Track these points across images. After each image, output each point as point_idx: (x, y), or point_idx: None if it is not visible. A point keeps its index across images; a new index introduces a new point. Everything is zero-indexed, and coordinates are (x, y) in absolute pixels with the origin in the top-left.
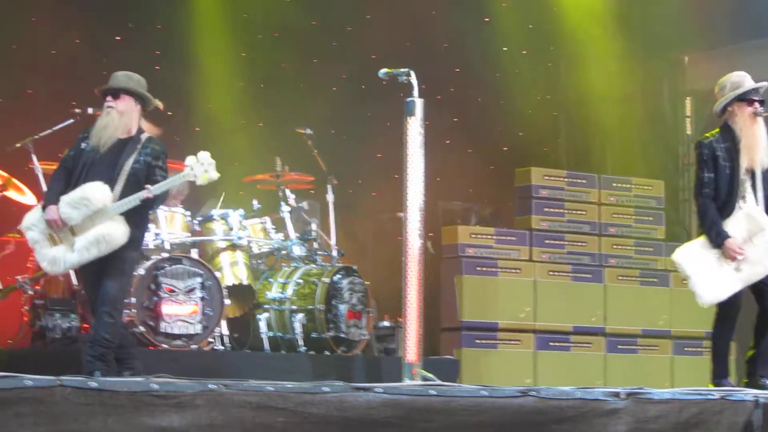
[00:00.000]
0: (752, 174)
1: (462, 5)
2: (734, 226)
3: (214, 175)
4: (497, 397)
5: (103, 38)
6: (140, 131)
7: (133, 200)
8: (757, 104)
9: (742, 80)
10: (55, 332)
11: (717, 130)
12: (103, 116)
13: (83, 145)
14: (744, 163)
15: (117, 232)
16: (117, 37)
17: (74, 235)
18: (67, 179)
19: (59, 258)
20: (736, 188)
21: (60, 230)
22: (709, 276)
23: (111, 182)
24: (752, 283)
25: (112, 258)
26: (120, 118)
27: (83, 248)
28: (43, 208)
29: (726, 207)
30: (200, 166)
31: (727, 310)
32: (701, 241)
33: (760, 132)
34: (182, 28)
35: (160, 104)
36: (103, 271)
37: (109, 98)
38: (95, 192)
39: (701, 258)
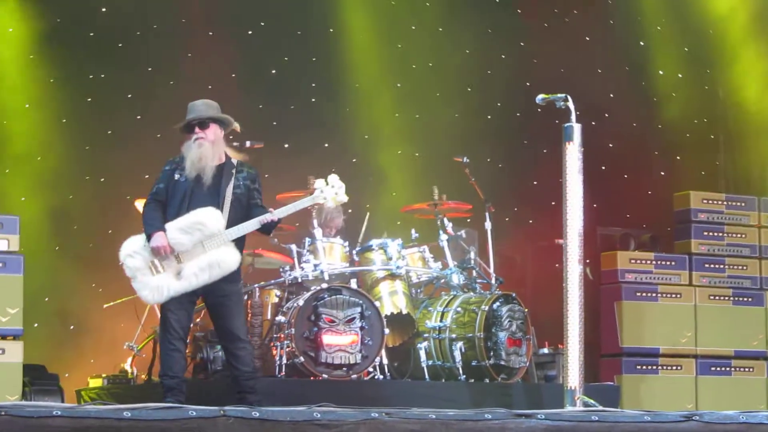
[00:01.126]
0: None
1: (615, 30)
2: None
3: (343, 198)
4: (661, 422)
5: (259, 71)
6: (227, 156)
7: (252, 224)
8: None
9: None
10: (216, 364)
11: None
12: (194, 148)
13: (177, 176)
14: None
15: (230, 257)
16: (273, 71)
17: (180, 262)
18: (162, 211)
19: (163, 286)
20: None
21: (165, 258)
22: None
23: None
24: None
25: (231, 293)
26: (212, 148)
27: (192, 274)
28: (148, 237)
29: None
30: (330, 189)
31: None
32: None
33: None
34: (337, 60)
35: (237, 126)
36: (220, 310)
37: (197, 130)
38: (210, 217)
39: None
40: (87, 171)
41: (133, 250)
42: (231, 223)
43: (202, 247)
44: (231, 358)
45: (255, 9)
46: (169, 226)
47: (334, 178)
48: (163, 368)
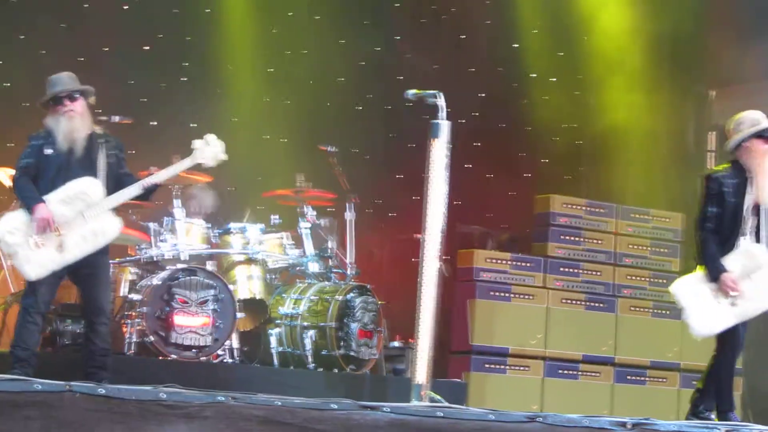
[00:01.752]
0: (758, 212)
1: (490, 30)
2: (733, 261)
3: (223, 156)
4: (504, 422)
5: (132, 47)
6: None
7: (134, 189)
8: None
9: (760, 118)
10: (65, 338)
11: (727, 164)
12: (64, 120)
13: (47, 150)
14: (750, 200)
15: (112, 226)
16: (146, 47)
17: (59, 234)
18: (35, 186)
19: (46, 259)
20: (739, 224)
21: (44, 231)
22: (703, 309)
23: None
24: (747, 318)
25: (101, 265)
26: (82, 120)
27: (75, 245)
28: (27, 208)
29: (728, 242)
30: (210, 149)
31: (724, 344)
32: (700, 274)
33: None
34: (211, 41)
35: (92, 99)
36: (91, 280)
37: (66, 102)
38: (90, 187)
39: (698, 290)
40: None
41: (12, 227)
42: (106, 193)
43: (82, 217)
44: (90, 332)
45: None
46: (48, 198)
47: (212, 137)
48: (16, 340)
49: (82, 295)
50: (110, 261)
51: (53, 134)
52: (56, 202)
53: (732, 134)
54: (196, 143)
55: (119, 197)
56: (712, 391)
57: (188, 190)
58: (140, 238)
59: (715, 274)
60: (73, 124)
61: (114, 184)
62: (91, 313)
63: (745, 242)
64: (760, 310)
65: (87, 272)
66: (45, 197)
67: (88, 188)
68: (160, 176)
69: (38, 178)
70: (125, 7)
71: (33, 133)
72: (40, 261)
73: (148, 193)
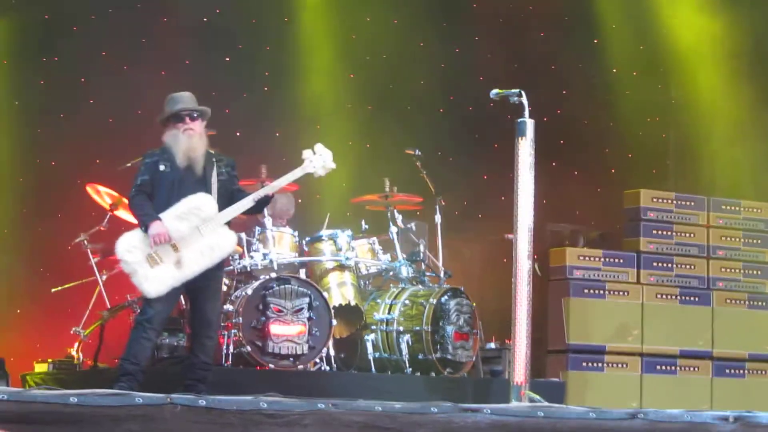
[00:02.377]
0: None
1: (571, 26)
2: None
3: (332, 165)
4: (605, 419)
5: (213, 59)
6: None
7: (246, 203)
8: None
9: None
10: (162, 351)
11: None
12: (184, 138)
13: (162, 167)
14: None
15: (228, 239)
16: (227, 58)
17: (177, 251)
18: (150, 202)
19: (166, 276)
20: None
21: (162, 248)
22: None
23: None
24: None
25: (215, 278)
26: (200, 139)
27: (193, 260)
28: (143, 226)
29: None
30: (318, 158)
31: None
32: None
33: None
34: (290, 49)
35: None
36: (203, 293)
37: (188, 120)
38: (205, 202)
39: None
40: (38, 154)
41: (131, 245)
42: (219, 208)
43: (198, 232)
44: (196, 345)
45: None
46: (164, 215)
47: (320, 146)
48: (128, 354)
49: (192, 308)
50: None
51: (168, 151)
52: (172, 218)
53: None
54: (306, 153)
55: (233, 211)
56: None
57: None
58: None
59: None
60: (192, 141)
61: (227, 201)
62: (200, 325)
63: None
64: None
65: (201, 285)
66: (161, 214)
67: (202, 203)
68: (270, 188)
69: (153, 195)
70: (204, 20)
71: (148, 150)
72: (159, 278)
73: (260, 206)
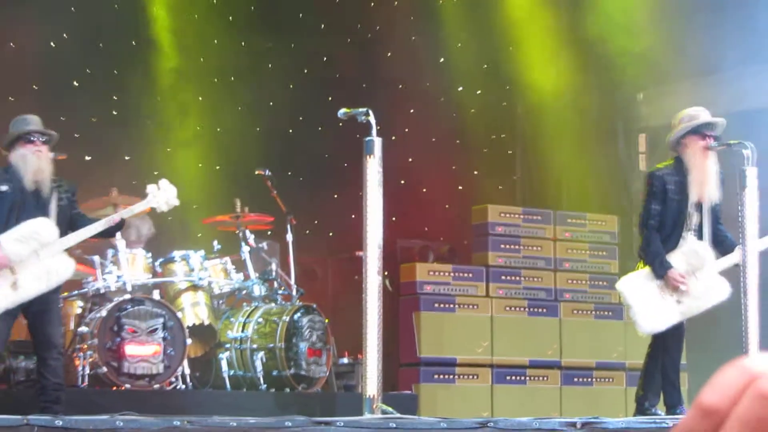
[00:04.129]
0: (700, 208)
1: (416, 46)
2: (677, 258)
3: (175, 201)
4: (456, 429)
5: (61, 84)
6: None
7: (97, 226)
8: (710, 138)
9: (698, 114)
10: (19, 374)
11: (671, 161)
12: (33, 159)
13: (3, 187)
14: (693, 196)
15: (66, 266)
16: (75, 83)
17: (14, 273)
18: None
19: (1, 297)
20: (683, 221)
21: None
22: (650, 306)
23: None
24: (691, 316)
25: (53, 302)
26: (48, 162)
27: (29, 283)
28: None
29: (671, 239)
30: (163, 193)
31: (667, 341)
32: (645, 271)
33: (711, 166)
34: (139, 73)
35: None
36: (42, 317)
37: (37, 142)
38: (44, 227)
39: (644, 288)
40: None
41: None
42: (60, 232)
43: (36, 256)
44: (43, 367)
45: (58, 22)
46: (3, 236)
47: (164, 182)
48: None
49: (32, 332)
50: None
51: (13, 171)
52: (11, 240)
53: (673, 129)
54: (150, 188)
55: (76, 237)
56: (653, 388)
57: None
58: (85, 271)
59: (661, 271)
60: (41, 163)
61: (66, 225)
62: (43, 348)
63: (689, 239)
64: (703, 308)
65: (39, 309)
66: (2, 236)
67: (42, 228)
68: (118, 215)
69: None
70: (52, 44)
71: None
72: None
73: (112, 231)
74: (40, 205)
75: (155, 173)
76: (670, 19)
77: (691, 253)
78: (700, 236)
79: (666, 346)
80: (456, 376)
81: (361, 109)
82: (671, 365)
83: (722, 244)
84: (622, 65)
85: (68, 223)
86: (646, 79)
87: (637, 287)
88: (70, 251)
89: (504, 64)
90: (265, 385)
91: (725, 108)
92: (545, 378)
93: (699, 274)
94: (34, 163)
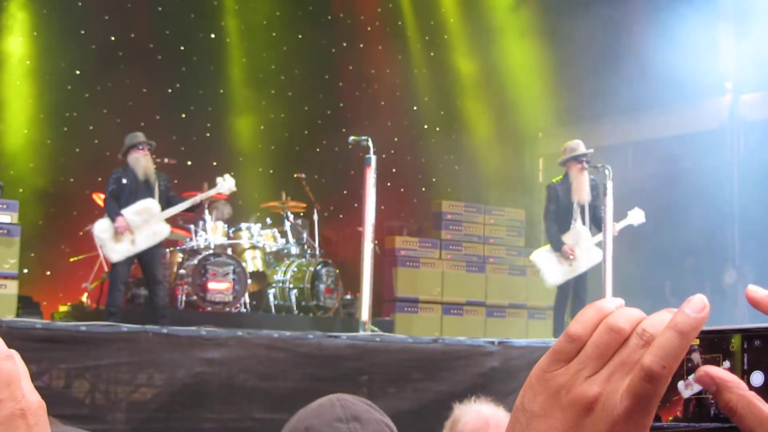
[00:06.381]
0: (581, 207)
1: (402, 87)
2: (568, 237)
3: (234, 188)
4: (418, 343)
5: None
6: None
7: (184, 205)
8: (584, 162)
9: (577, 146)
10: (139, 299)
11: (560, 177)
12: (143, 160)
13: (124, 181)
14: (575, 199)
15: (165, 229)
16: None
17: (132, 234)
18: (117, 203)
19: (124, 249)
20: (570, 214)
21: (123, 232)
22: (552, 268)
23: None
24: (577, 273)
25: (157, 252)
26: (151, 162)
27: (141, 241)
28: (111, 219)
29: (564, 226)
30: (226, 183)
31: (563, 289)
32: (547, 247)
33: (585, 180)
34: (217, 96)
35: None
36: (151, 261)
37: (145, 148)
38: (151, 204)
39: (547, 257)
40: (60, 173)
41: (103, 228)
42: (161, 209)
43: (146, 223)
44: (152, 295)
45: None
46: (125, 211)
47: (227, 176)
48: (109, 301)
49: (144, 272)
50: (165, 250)
51: (128, 169)
52: (131, 213)
53: (563, 155)
54: (218, 180)
55: (172, 211)
56: (558, 324)
57: (213, 203)
58: (185, 234)
59: (557, 246)
60: (147, 162)
61: (165, 203)
62: (151, 283)
63: (575, 225)
64: (585, 267)
65: (148, 257)
66: (123, 210)
67: (150, 205)
68: (199, 198)
69: (119, 198)
70: (158, 57)
71: (113, 169)
72: (119, 250)
73: (193, 208)
74: (148, 190)
75: (231, 173)
76: (570, 68)
77: (576, 233)
78: (583, 223)
79: (568, 294)
80: (419, 309)
81: (363, 137)
82: (559, 306)
83: (594, 227)
84: (527, 112)
85: (167, 201)
86: (544, 121)
87: (543, 257)
88: (169, 220)
89: (446, 99)
90: (297, 311)
91: (593, 144)
92: (475, 312)
93: (582, 245)
94: (144, 162)
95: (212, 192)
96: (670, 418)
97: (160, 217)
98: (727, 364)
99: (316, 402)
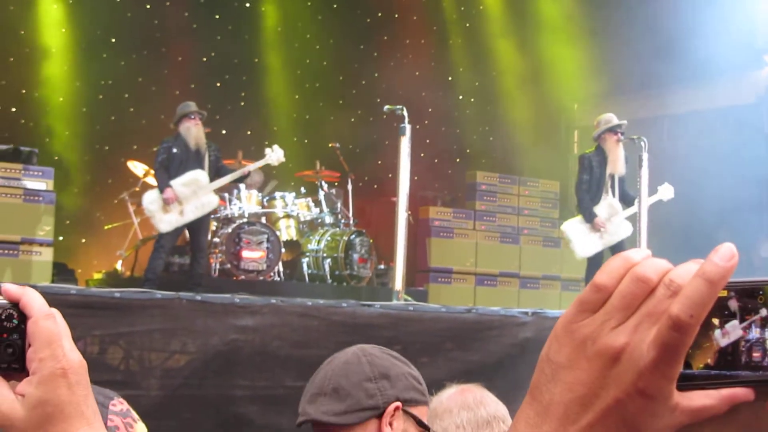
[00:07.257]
0: (613, 178)
1: (427, 69)
2: (600, 210)
3: (283, 159)
4: (451, 312)
5: (211, 84)
6: None
7: (233, 176)
8: (620, 134)
9: (611, 118)
10: (175, 267)
11: (593, 148)
12: (194, 130)
13: (174, 150)
14: (608, 170)
15: (213, 200)
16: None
17: (181, 204)
18: (167, 173)
19: (173, 220)
20: (603, 186)
21: (171, 203)
22: (583, 240)
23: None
24: (610, 245)
25: (205, 222)
26: (202, 131)
27: (190, 211)
28: (161, 190)
29: (595, 197)
30: (275, 154)
31: (594, 261)
32: (579, 218)
33: (620, 152)
34: (259, 78)
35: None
36: (197, 231)
37: (196, 118)
38: (200, 175)
39: (579, 228)
40: (96, 142)
41: (152, 199)
42: (210, 179)
43: (195, 194)
44: (195, 262)
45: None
46: (174, 182)
47: (276, 147)
48: (149, 267)
49: (191, 240)
50: (212, 218)
51: (180, 138)
52: (179, 184)
53: (596, 128)
54: (267, 150)
55: (221, 182)
56: None
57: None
58: (219, 203)
59: (589, 218)
60: (199, 131)
61: (214, 173)
62: (196, 250)
63: (607, 198)
64: (616, 240)
65: (196, 226)
66: (172, 182)
67: (199, 176)
68: (248, 168)
69: (168, 168)
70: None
71: (164, 138)
72: (168, 221)
73: (242, 179)
74: (198, 160)
75: (266, 142)
76: (607, 40)
77: (608, 206)
78: (613, 195)
79: (599, 266)
80: (452, 280)
81: (398, 106)
82: (588, 278)
83: (627, 200)
84: (565, 85)
85: (216, 172)
86: (579, 94)
87: (575, 228)
88: (216, 191)
89: (490, 78)
90: (331, 280)
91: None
92: (509, 283)
93: (613, 218)
94: (195, 132)
95: (261, 163)
96: (701, 366)
97: (208, 188)
98: (764, 311)
99: (340, 357)
